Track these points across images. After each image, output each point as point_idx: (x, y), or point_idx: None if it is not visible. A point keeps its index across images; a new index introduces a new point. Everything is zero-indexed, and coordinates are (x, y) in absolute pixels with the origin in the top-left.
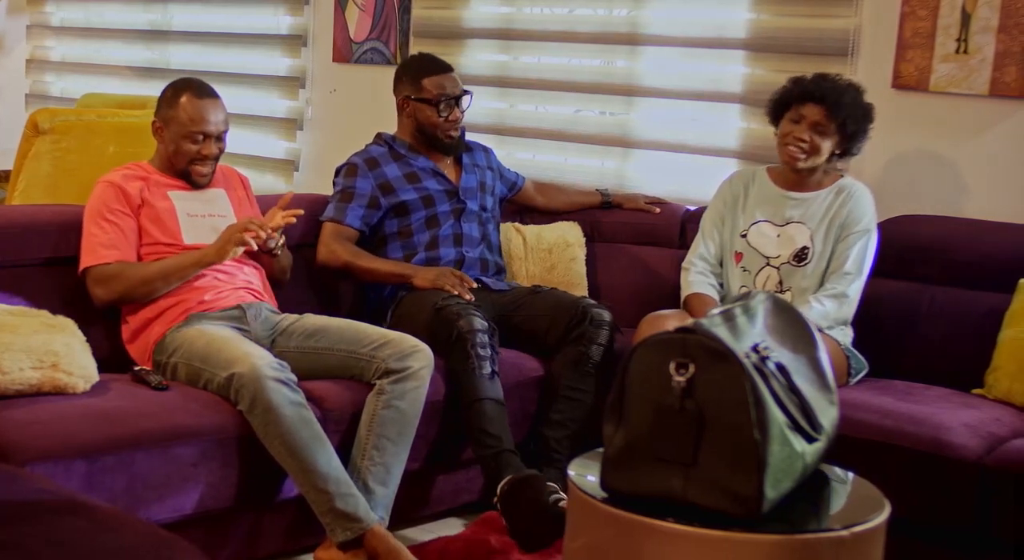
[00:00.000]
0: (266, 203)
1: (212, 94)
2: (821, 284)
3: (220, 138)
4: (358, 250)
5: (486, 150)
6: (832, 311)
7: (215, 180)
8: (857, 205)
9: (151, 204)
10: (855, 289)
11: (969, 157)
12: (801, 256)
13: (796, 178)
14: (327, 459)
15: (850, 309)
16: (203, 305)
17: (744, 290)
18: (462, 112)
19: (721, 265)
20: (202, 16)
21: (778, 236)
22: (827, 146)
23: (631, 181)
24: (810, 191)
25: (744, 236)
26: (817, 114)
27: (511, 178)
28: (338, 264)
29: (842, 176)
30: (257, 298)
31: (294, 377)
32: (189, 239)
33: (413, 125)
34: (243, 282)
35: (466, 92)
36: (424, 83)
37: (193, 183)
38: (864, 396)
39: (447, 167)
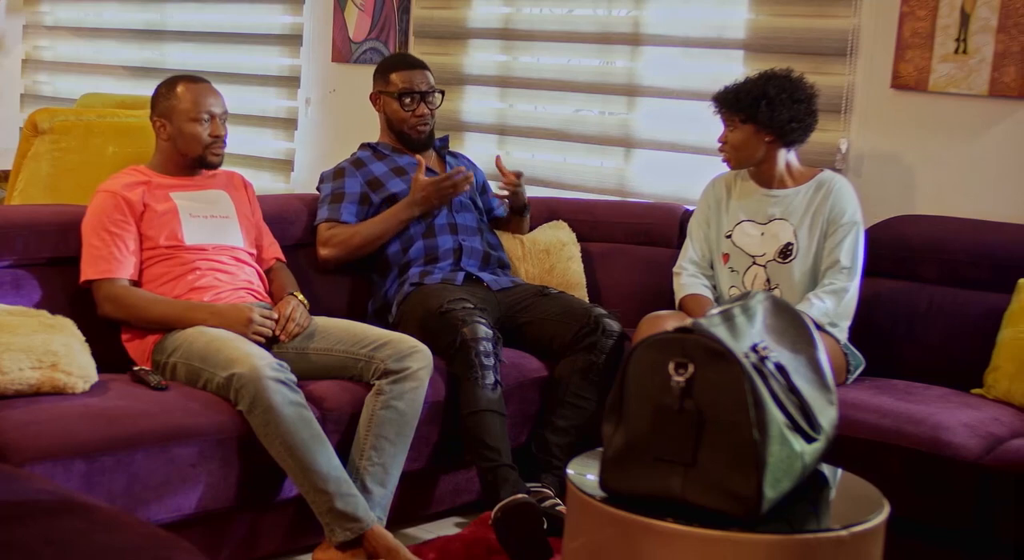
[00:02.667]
0: (266, 203)
1: (206, 81)
2: (812, 280)
3: (224, 120)
4: (354, 230)
5: (472, 164)
6: (832, 307)
7: (218, 182)
8: (839, 198)
9: (152, 208)
10: (854, 283)
11: (968, 157)
12: (785, 252)
13: (770, 175)
14: (327, 459)
15: (851, 304)
16: None
17: (734, 290)
18: (430, 109)
19: (712, 267)
20: (199, 15)
21: (762, 234)
22: (743, 139)
23: (631, 181)
24: (789, 187)
25: (729, 236)
26: (723, 115)
27: (492, 204)
28: (350, 247)
29: (821, 171)
30: (257, 298)
31: (294, 377)
32: (191, 240)
33: (385, 121)
34: (243, 282)
35: (437, 90)
36: (392, 77)
37: (206, 166)
38: (863, 396)
39: (432, 162)
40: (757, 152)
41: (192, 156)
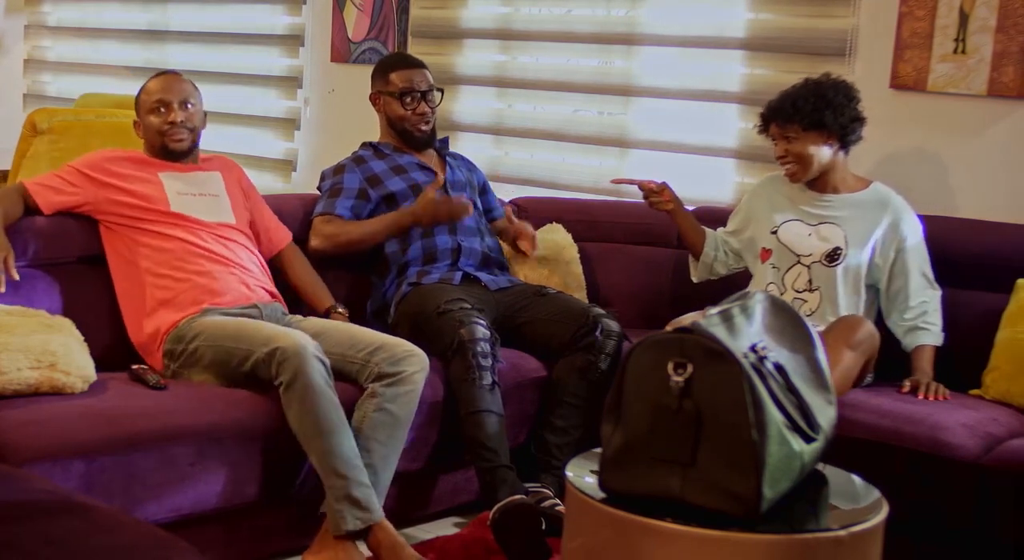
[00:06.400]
0: (266, 202)
1: (173, 73)
2: (853, 285)
3: (184, 106)
4: (354, 225)
5: (473, 166)
6: (938, 323)
7: (211, 164)
8: (907, 224)
9: (137, 177)
10: (933, 294)
11: (967, 157)
12: (833, 256)
13: (825, 182)
14: (350, 446)
15: (938, 303)
16: (217, 299)
17: (772, 287)
18: (431, 107)
19: (731, 250)
20: (200, 16)
21: (810, 235)
22: (809, 148)
23: None
24: (842, 193)
25: (774, 233)
26: (778, 128)
27: (491, 204)
28: (338, 243)
29: (873, 181)
30: (271, 297)
31: (327, 360)
32: (176, 208)
33: (386, 121)
34: (254, 277)
35: (437, 89)
36: (391, 77)
37: (174, 154)
38: (862, 396)
39: (432, 162)
40: (823, 158)
41: (157, 146)
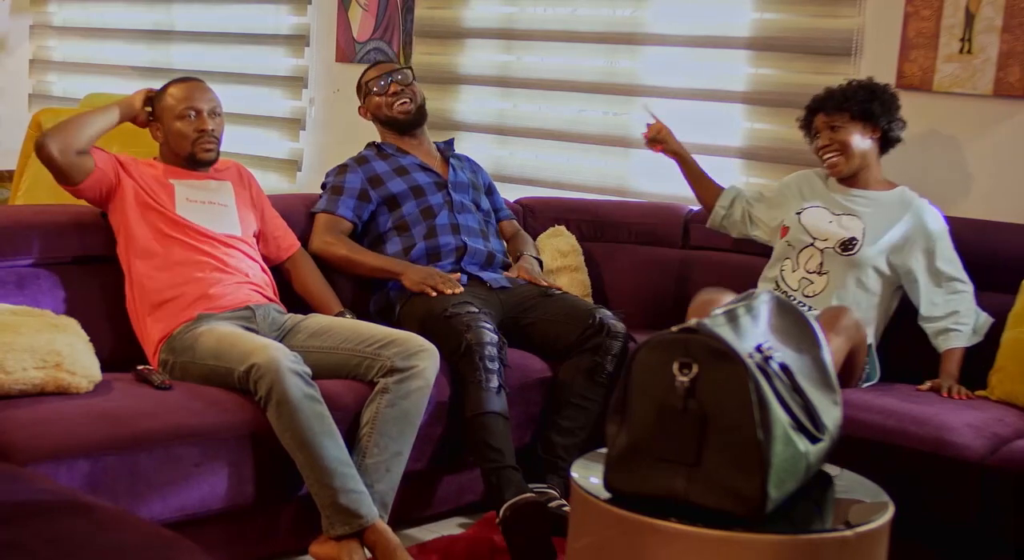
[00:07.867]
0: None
1: (198, 80)
2: (859, 279)
3: (213, 115)
4: (353, 244)
5: (477, 167)
6: (971, 322)
7: (224, 173)
8: (928, 226)
9: (152, 176)
10: (963, 286)
11: (973, 157)
12: (847, 246)
13: (855, 179)
14: (336, 454)
15: (971, 299)
16: (212, 304)
17: (788, 263)
18: (402, 85)
19: (752, 215)
20: (205, 16)
21: (831, 222)
22: (854, 136)
23: (633, 181)
24: (871, 190)
25: (799, 213)
26: (826, 117)
27: (498, 204)
28: (334, 257)
29: (901, 185)
30: (266, 299)
31: (308, 370)
32: (181, 212)
33: (377, 123)
34: (252, 283)
35: (405, 68)
36: (362, 81)
37: (200, 163)
38: (867, 396)
39: (435, 163)
40: (865, 148)
41: (183, 154)
